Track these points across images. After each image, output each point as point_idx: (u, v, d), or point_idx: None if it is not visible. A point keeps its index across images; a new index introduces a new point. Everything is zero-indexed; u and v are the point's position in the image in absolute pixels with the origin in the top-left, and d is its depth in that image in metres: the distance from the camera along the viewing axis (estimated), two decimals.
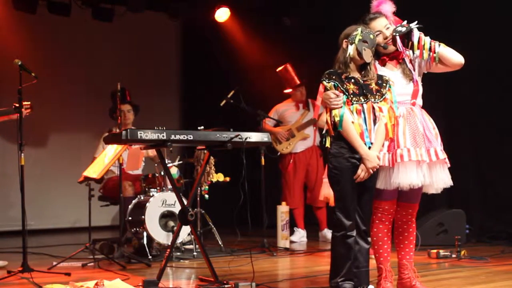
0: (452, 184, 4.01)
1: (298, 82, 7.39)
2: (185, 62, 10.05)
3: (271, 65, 8.71)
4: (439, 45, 3.94)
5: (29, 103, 5.40)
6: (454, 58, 3.96)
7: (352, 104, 3.82)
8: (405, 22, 3.99)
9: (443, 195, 4.59)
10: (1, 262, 5.53)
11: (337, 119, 3.81)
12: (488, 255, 5.80)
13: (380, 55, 4.04)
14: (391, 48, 4.00)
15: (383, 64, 4.04)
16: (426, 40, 3.93)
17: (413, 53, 3.99)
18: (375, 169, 3.79)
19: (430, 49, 3.92)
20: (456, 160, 4.26)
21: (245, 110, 6.86)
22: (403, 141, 3.89)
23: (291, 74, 7.40)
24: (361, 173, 3.77)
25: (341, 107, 3.80)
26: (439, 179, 3.96)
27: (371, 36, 3.85)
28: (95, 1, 8.54)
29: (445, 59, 3.95)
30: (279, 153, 7.46)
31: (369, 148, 3.79)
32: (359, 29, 3.85)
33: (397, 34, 3.94)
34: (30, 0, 8.08)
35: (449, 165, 4.00)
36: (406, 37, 3.93)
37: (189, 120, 9.68)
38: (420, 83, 4.05)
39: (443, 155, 3.95)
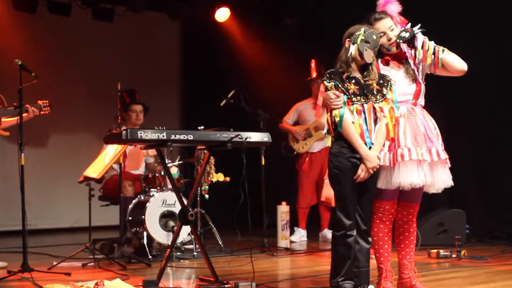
0: (453, 184, 4.02)
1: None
2: (185, 62, 10.04)
3: (271, 65, 8.72)
4: (443, 50, 3.90)
5: (47, 101, 5.40)
6: (457, 65, 3.93)
7: (353, 104, 3.82)
8: (408, 26, 3.95)
9: (443, 195, 4.58)
10: (1, 263, 5.53)
11: (337, 119, 3.81)
12: (488, 255, 5.80)
13: (384, 55, 4.03)
14: (394, 48, 3.99)
15: (386, 63, 4.03)
16: (430, 45, 3.90)
17: (415, 57, 3.96)
18: (375, 169, 3.78)
19: (433, 54, 3.90)
20: (456, 160, 4.26)
21: (245, 110, 6.86)
22: (403, 140, 3.88)
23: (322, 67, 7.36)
24: (361, 173, 3.77)
25: (342, 107, 3.79)
26: (440, 179, 3.95)
27: (374, 36, 3.83)
28: (95, 1, 8.53)
29: (448, 66, 3.92)
30: (295, 152, 7.44)
31: (370, 148, 3.79)
32: (362, 29, 3.84)
33: (401, 40, 3.92)
34: (30, 0, 8.07)
35: (450, 165, 4.00)
36: (410, 42, 3.91)
37: (189, 120, 9.68)
38: (423, 83, 4.04)
39: (444, 155, 3.95)
